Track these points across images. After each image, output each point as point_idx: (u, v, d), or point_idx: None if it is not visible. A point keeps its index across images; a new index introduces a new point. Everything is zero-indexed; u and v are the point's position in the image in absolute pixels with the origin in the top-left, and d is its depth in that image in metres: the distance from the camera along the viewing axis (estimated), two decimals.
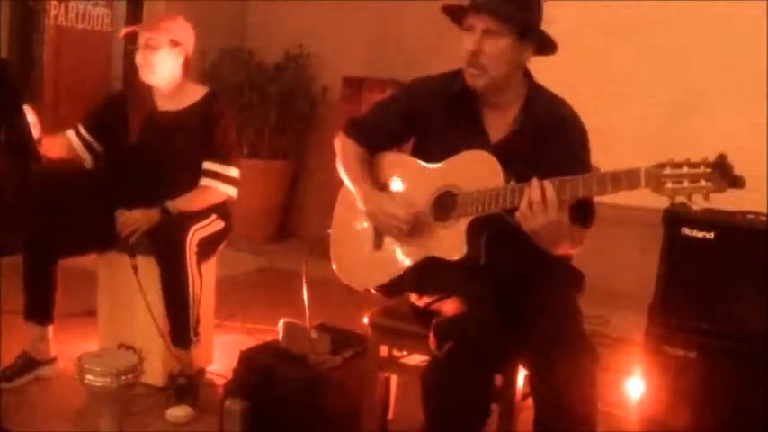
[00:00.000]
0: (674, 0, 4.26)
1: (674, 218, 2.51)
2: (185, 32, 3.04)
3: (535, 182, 2.02)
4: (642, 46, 4.37)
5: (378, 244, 2.37)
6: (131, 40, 3.04)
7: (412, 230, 2.28)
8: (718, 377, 2.43)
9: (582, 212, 2.16)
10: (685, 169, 1.87)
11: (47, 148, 2.91)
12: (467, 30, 2.21)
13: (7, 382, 2.85)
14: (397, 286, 2.36)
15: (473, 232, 2.17)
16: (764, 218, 2.52)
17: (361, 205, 2.38)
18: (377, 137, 2.44)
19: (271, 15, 5.53)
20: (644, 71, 4.38)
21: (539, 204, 2.00)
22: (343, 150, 2.46)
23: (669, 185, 1.88)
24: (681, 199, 1.90)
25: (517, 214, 2.04)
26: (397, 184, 2.39)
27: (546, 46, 2.26)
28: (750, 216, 2.54)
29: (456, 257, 2.18)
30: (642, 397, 2.55)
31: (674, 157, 1.92)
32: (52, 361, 3.01)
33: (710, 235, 2.46)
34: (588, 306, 2.25)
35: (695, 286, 2.50)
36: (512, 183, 2.12)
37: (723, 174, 1.86)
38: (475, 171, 2.19)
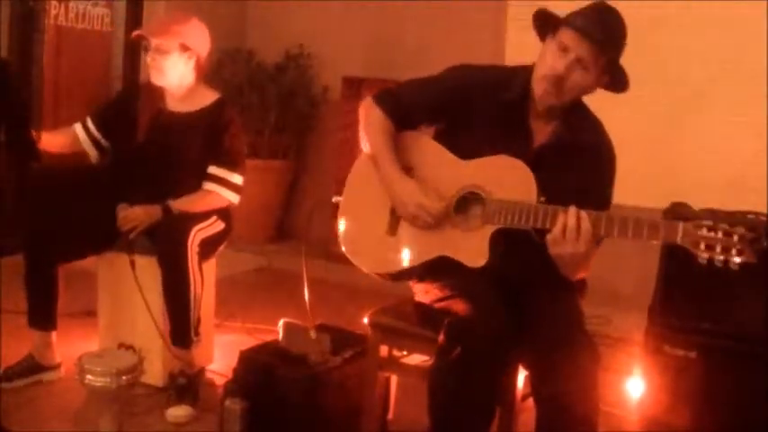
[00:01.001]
0: (674, 0, 4.26)
1: (674, 218, 2.50)
2: (197, 36, 3.02)
3: (573, 210, 2.00)
4: (642, 46, 4.36)
5: (393, 229, 2.30)
6: (138, 40, 3.03)
7: (432, 225, 2.22)
8: (718, 377, 2.43)
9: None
10: (720, 234, 1.88)
11: (47, 143, 2.90)
12: (559, 48, 2.13)
13: (8, 382, 2.85)
14: (406, 277, 2.33)
15: (496, 242, 2.13)
16: (764, 218, 2.51)
17: (387, 186, 2.27)
18: (410, 115, 2.34)
19: (271, 15, 5.53)
20: (644, 71, 4.37)
21: (572, 233, 1.99)
22: (371, 119, 2.35)
23: (702, 247, 1.89)
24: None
25: (548, 237, 2.02)
26: (422, 171, 2.30)
27: (618, 84, 2.23)
28: (750, 216, 2.54)
29: (476, 265, 2.14)
30: (642, 397, 2.55)
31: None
32: (56, 367, 3.00)
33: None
34: (589, 306, 2.25)
35: (695, 286, 2.49)
36: (542, 199, 2.09)
37: (755, 249, 1.87)
38: (508, 178, 2.15)
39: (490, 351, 2.01)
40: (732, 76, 4.18)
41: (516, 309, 2.13)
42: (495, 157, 2.19)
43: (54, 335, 2.98)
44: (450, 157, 2.27)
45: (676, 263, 2.51)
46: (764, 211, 2.56)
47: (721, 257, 1.87)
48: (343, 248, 2.37)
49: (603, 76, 2.20)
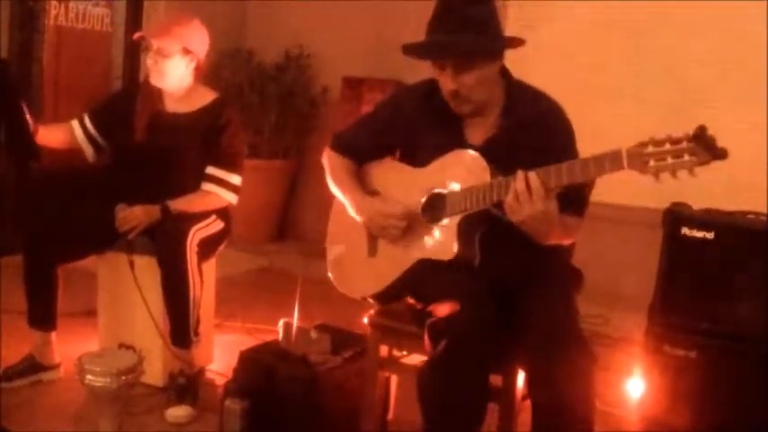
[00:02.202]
0: (673, 0, 4.26)
1: (674, 218, 2.51)
2: (198, 38, 3.01)
3: (519, 173, 2.02)
4: (642, 46, 4.37)
5: (372, 251, 2.38)
6: (138, 40, 3.02)
7: (406, 233, 2.28)
8: (718, 377, 2.43)
9: (573, 201, 2.16)
10: (667, 146, 1.85)
11: (43, 137, 2.90)
12: (438, 68, 2.20)
13: (8, 382, 2.86)
14: (394, 293, 2.36)
15: (465, 231, 2.17)
16: (764, 218, 2.51)
17: (354, 213, 2.39)
18: (362, 150, 2.46)
19: (271, 15, 5.53)
20: (643, 71, 4.38)
21: (524, 194, 2.00)
22: (331, 164, 2.49)
23: (652, 163, 1.86)
24: (666, 176, 1.87)
25: (505, 207, 2.05)
26: (386, 189, 2.39)
27: (513, 44, 2.23)
28: (750, 216, 2.54)
29: (447, 257, 2.18)
30: (642, 397, 2.55)
31: None
32: (56, 367, 3.00)
33: (710, 235, 2.46)
34: (588, 306, 2.25)
35: (695, 286, 2.49)
36: (499, 177, 2.12)
37: (706, 146, 1.84)
38: (462, 170, 2.20)
39: (476, 343, 2.02)
40: (732, 76, 4.18)
41: (509, 305, 2.13)
42: (446, 156, 2.25)
43: (54, 335, 2.98)
44: (408, 169, 2.36)
45: (676, 263, 2.52)
46: (764, 211, 2.56)
47: (675, 166, 1.83)
48: (337, 286, 2.47)
49: (496, 58, 2.21)
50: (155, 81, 3.00)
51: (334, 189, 2.47)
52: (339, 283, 2.47)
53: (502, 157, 2.17)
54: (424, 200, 2.28)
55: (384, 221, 2.30)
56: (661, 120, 4.32)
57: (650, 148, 1.87)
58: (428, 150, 2.29)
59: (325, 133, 5.26)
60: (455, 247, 2.17)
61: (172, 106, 3.07)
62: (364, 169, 2.47)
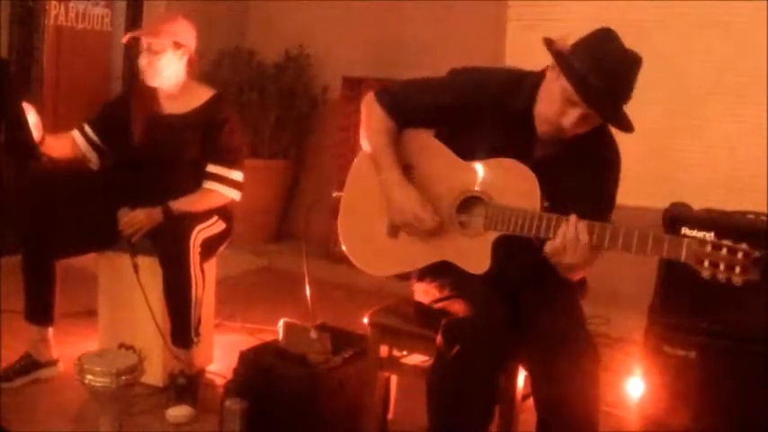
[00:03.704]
0: (674, 0, 4.26)
1: (674, 218, 2.50)
2: (187, 33, 3.02)
3: (573, 219, 1.98)
4: (642, 46, 4.37)
5: (393, 232, 2.29)
6: (134, 43, 3.02)
7: (434, 230, 2.21)
8: (718, 377, 2.43)
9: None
10: (724, 251, 1.86)
11: (50, 147, 2.91)
12: (565, 98, 2.05)
13: (8, 382, 2.86)
14: (406, 276, 2.33)
15: (497, 248, 2.12)
16: (764, 218, 2.51)
17: (386, 190, 2.24)
18: (412, 117, 2.30)
19: (271, 15, 5.53)
20: (643, 71, 4.37)
21: (572, 243, 1.97)
22: (372, 118, 2.31)
23: (707, 265, 1.88)
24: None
25: (547, 248, 2.01)
26: (422, 170, 2.28)
27: (621, 127, 2.14)
28: (750, 216, 2.54)
29: (478, 272, 2.13)
30: (642, 397, 2.55)
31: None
32: (54, 363, 3.00)
33: (710, 235, 2.45)
34: (588, 306, 2.25)
35: (695, 286, 2.48)
36: (545, 205, 2.07)
37: (761, 270, 1.86)
38: (511, 183, 2.12)
39: (488, 349, 2.01)
40: (732, 76, 4.18)
41: (515, 309, 2.13)
42: (498, 160, 2.16)
43: (51, 330, 2.98)
44: (451, 156, 2.25)
45: (677, 263, 2.51)
46: (764, 210, 2.56)
47: (725, 275, 1.86)
48: (344, 248, 2.36)
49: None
50: (149, 81, 3.00)
51: (368, 144, 2.31)
52: (350, 251, 2.35)
53: (549, 177, 2.10)
54: (461, 198, 2.19)
55: (413, 221, 2.20)
56: (661, 120, 4.33)
57: (708, 249, 1.88)
58: (484, 145, 2.19)
59: (325, 133, 5.28)
60: (488, 264, 2.11)
61: (168, 107, 3.06)
62: (402, 135, 2.31)
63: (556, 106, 2.08)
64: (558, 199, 2.07)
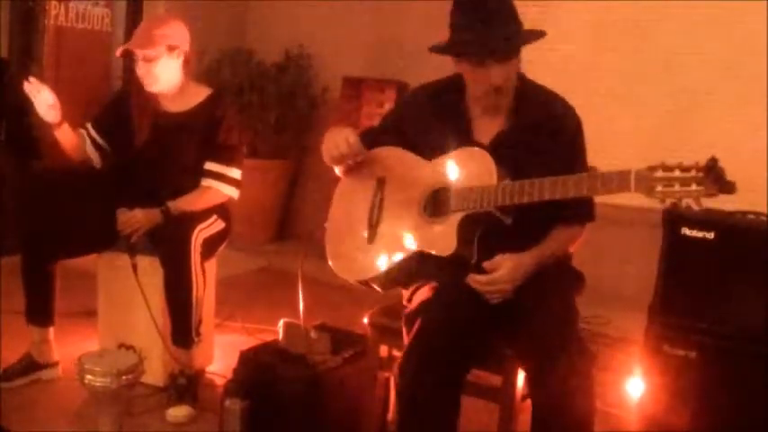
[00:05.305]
0: (675, 0, 4.26)
1: (674, 218, 2.50)
2: (179, 33, 3.00)
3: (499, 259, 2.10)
4: (642, 45, 4.38)
5: (371, 238, 2.36)
6: (129, 53, 3.01)
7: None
8: (718, 377, 2.43)
9: (580, 207, 2.17)
10: (677, 173, 1.87)
11: (66, 134, 2.91)
12: (474, 64, 2.17)
13: (8, 382, 2.86)
14: (391, 279, 2.35)
15: (465, 229, 2.18)
16: (764, 218, 2.51)
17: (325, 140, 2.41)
18: (377, 141, 2.45)
19: (271, 15, 5.53)
20: (643, 71, 4.38)
21: (490, 285, 2.09)
22: None
23: (659, 189, 1.88)
24: (670, 202, 1.89)
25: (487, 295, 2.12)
26: (392, 178, 2.38)
27: (542, 35, 2.23)
28: (750, 216, 2.54)
29: (446, 253, 2.18)
30: (642, 397, 2.55)
31: (673, 158, 1.92)
32: (54, 365, 3.00)
33: (710, 235, 2.45)
34: (588, 306, 2.25)
35: (695, 286, 2.49)
36: (506, 181, 2.13)
37: (715, 178, 1.85)
38: (470, 168, 2.21)
39: (448, 330, 2.05)
40: (732, 76, 4.18)
41: (508, 306, 2.14)
42: (455, 151, 2.26)
43: (51, 331, 2.98)
44: (415, 159, 2.36)
45: (676, 263, 2.52)
46: (764, 210, 2.56)
47: (681, 194, 1.85)
48: (334, 269, 2.43)
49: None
50: (149, 88, 2.99)
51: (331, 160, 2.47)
52: (336, 266, 2.42)
53: (509, 156, 2.18)
54: (429, 193, 2.28)
55: (341, 140, 2.35)
56: (661, 120, 4.33)
57: (659, 173, 1.88)
58: (436, 148, 2.30)
59: (324, 133, 5.27)
60: (454, 244, 2.17)
61: (169, 106, 3.06)
62: (372, 153, 2.44)
63: (470, 78, 2.22)
64: (524, 173, 2.11)
